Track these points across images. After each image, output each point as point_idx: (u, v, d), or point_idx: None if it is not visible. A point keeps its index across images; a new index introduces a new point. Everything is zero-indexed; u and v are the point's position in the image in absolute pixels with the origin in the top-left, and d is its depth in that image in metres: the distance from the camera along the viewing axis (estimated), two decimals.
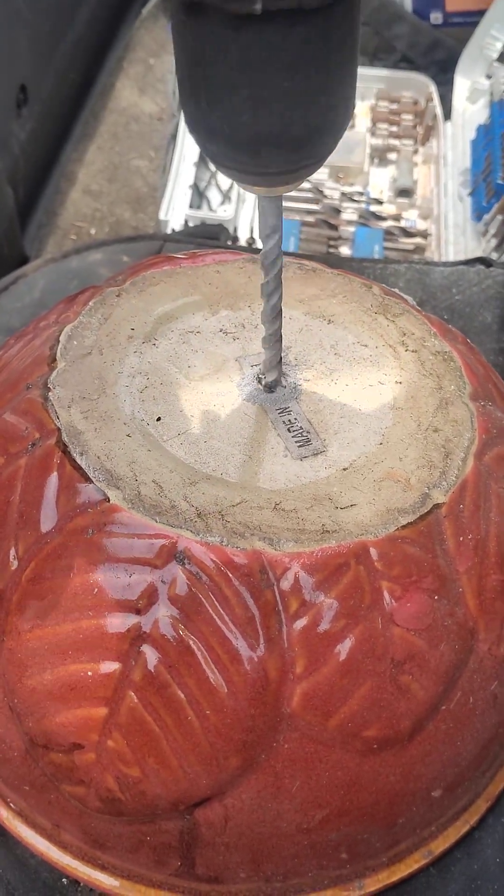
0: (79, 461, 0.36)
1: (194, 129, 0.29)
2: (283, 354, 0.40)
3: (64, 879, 0.41)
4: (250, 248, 0.81)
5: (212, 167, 0.95)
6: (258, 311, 0.44)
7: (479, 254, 0.82)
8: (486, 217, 0.82)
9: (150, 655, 0.33)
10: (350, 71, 0.28)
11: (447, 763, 0.37)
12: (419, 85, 1.01)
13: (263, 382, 0.40)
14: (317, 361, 0.42)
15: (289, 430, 0.38)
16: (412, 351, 0.42)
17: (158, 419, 0.38)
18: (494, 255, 0.79)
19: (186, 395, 0.40)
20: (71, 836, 0.39)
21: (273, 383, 0.40)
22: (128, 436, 0.37)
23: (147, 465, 0.36)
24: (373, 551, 0.34)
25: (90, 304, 0.43)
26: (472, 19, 1.01)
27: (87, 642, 0.34)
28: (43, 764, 0.36)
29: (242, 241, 0.87)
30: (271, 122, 0.27)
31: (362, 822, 0.37)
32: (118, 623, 0.33)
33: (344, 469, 0.37)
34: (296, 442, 0.38)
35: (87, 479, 0.35)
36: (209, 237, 0.81)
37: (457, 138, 0.95)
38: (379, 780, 0.35)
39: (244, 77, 0.26)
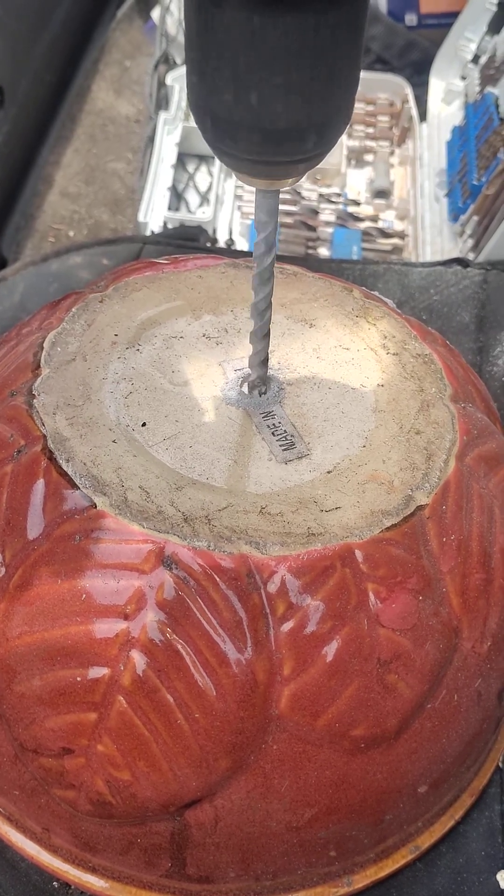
0: (65, 468, 0.36)
1: (200, 115, 0.29)
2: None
3: (55, 882, 0.41)
4: (230, 250, 0.81)
5: (189, 169, 0.95)
6: (241, 316, 0.44)
7: (455, 254, 0.83)
8: (463, 218, 0.83)
9: (139, 660, 0.33)
10: (356, 66, 0.29)
11: (433, 760, 0.38)
12: (395, 86, 1.01)
13: (248, 384, 0.40)
14: (299, 365, 0.42)
15: (273, 433, 0.39)
16: (393, 354, 0.43)
17: (144, 425, 0.39)
18: (471, 256, 0.80)
19: (171, 401, 0.40)
20: (61, 839, 0.39)
21: (257, 386, 0.40)
22: (113, 442, 0.37)
23: (133, 471, 0.36)
24: (358, 553, 0.34)
25: (73, 310, 0.43)
26: (446, 21, 1.02)
27: (75, 648, 0.34)
28: (33, 768, 0.36)
29: (221, 243, 0.87)
30: (280, 111, 0.28)
31: (350, 819, 0.37)
32: (106, 628, 0.34)
33: (328, 472, 0.38)
34: (280, 446, 0.38)
35: (74, 486, 0.36)
36: (188, 239, 0.81)
37: (432, 139, 0.96)
38: (366, 778, 0.36)
39: (254, 65, 0.26)
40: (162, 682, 0.33)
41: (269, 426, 0.39)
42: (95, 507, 0.35)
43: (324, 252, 0.88)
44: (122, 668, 0.33)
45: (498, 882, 0.42)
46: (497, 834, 0.44)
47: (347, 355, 0.43)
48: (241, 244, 0.88)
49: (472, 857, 0.43)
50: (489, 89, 0.87)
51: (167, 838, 0.36)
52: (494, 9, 0.94)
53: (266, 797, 0.35)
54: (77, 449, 0.37)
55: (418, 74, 1.03)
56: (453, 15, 0.99)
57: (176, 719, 0.33)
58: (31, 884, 0.41)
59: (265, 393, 0.40)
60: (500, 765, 0.46)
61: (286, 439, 0.39)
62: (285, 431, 0.39)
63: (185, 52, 0.29)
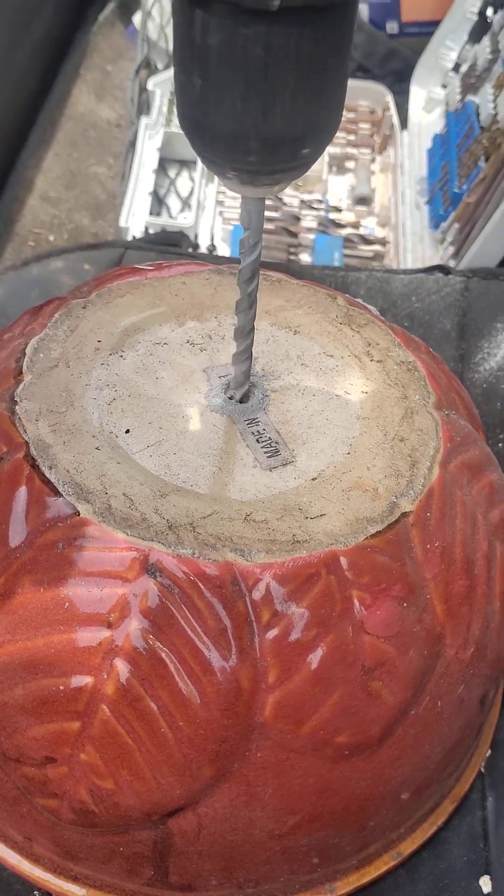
0: (48, 475, 0.36)
1: (187, 122, 0.29)
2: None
3: (36, 892, 0.41)
4: (212, 256, 0.81)
5: (171, 174, 0.95)
6: (225, 323, 0.44)
7: (436, 261, 0.84)
8: (444, 225, 0.84)
9: (123, 668, 0.33)
10: (345, 72, 0.29)
11: (416, 766, 0.38)
12: (376, 94, 1.02)
13: (233, 389, 0.40)
14: (284, 372, 0.42)
15: (257, 440, 0.39)
16: (377, 361, 0.43)
17: (127, 431, 0.38)
18: (452, 263, 0.81)
19: (155, 407, 0.40)
20: (43, 848, 0.39)
21: (243, 388, 0.40)
22: (97, 449, 0.37)
23: (117, 478, 0.36)
24: (343, 560, 0.34)
25: (56, 316, 0.43)
26: (427, 30, 1.03)
27: (58, 657, 0.34)
28: (15, 777, 0.36)
29: (203, 248, 0.87)
30: (268, 120, 0.28)
31: (333, 826, 0.37)
32: (90, 637, 0.33)
33: (313, 479, 0.38)
34: (265, 453, 0.38)
35: (57, 493, 0.35)
36: (170, 244, 0.81)
37: (413, 147, 0.97)
38: (350, 785, 0.36)
39: (245, 73, 0.26)
40: (146, 690, 0.33)
41: (253, 433, 0.39)
42: (79, 514, 0.35)
43: (305, 258, 0.88)
44: (105, 677, 0.33)
45: (480, 888, 0.42)
46: (479, 839, 0.44)
47: (332, 362, 0.43)
48: (223, 250, 0.88)
49: (454, 862, 0.43)
50: (470, 98, 0.88)
51: (150, 847, 0.36)
52: (475, 18, 0.94)
53: (249, 805, 0.35)
54: (60, 456, 0.37)
55: (399, 82, 1.03)
56: (434, 24, 1.00)
57: (159, 728, 0.33)
58: (13, 893, 0.41)
59: (249, 400, 0.40)
60: (482, 770, 0.46)
61: (271, 446, 0.39)
62: (270, 438, 0.39)
63: (173, 60, 0.29)
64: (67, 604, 0.34)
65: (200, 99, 0.28)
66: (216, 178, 0.93)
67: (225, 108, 0.28)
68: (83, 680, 0.33)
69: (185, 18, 0.27)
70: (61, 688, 0.34)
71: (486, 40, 0.90)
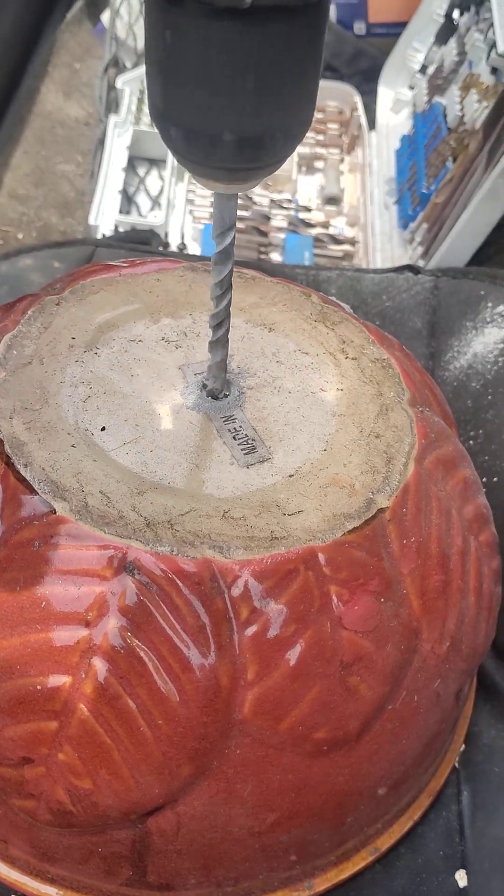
0: (23, 473, 0.35)
1: (160, 119, 0.29)
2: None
3: (12, 895, 0.40)
4: (182, 254, 0.81)
5: (140, 172, 0.94)
6: (200, 320, 0.44)
7: (405, 261, 0.84)
8: (412, 225, 0.84)
9: (101, 667, 0.33)
10: (316, 71, 0.29)
11: (393, 761, 0.38)
12: (344, 94, 1.03)
13: (208, 389, 0.40)
14: (259, 369, 0.42)
15: (234, 437, 0.39)
16: (352, 358, 0.43)
17: (103, 429, 0.38)
18: (421, 263, 0.81)
19: (130, 404, 0.39)
20: (19, 850, 0.39)
21: (218, 390, 0.40)
22: (72, 446, 0.37)
23: (93, 476, 0.36)
24: (321, 556, 0.34)
25: (29, 312, 0.42)
26: (394, 31, 1.04)
27: (35, 656, 0.33)
28: None
29: (173, 247, 0.87)
30: (240, 118, 0.28)
31: (312, 823, 0.37)
32: (67, 636, 0.33)
33: (290, 476, 0.38)
34: (241, 450, 0.38)
35: (32, 491, 0.35)
36: (140, 242, 0.81)
37: (381, 147, 0.97)
38: (328, 781, 0.36)
39: (218, 71, 0.26)
40: (124, 688, 0.33)
41: (230, 430, 0.39)
42: (55, 512, 0.34)
43: (276, 257, 0.88)
44: (83, 676, 0.33)
45: (456, 882, 0.42)
46: (454, 834, 0.44)
47: (307, 360, 0.43)
48: (194, 248, 0.88)
49: (431, 857, 0.44)
50: (437, 99, 0.88)
51: (128, 846, 0.36)
52: (441, 20, 0.95)
53: (228, 802, 0.35)
54: (35, 454, 0.36)
55: (367, 83, 1.04)
56: (401, 25, 1.01)
57: (138, 726, 0.33)
58: None
59: (226, 397, 0.40)
60: (457, 765, 0.46)
61: (247, 443, 0.39)
62: (246, 435, 0.39)
63: (145, 57, 0.29)
64: (44, 602, 0.33)
65: (172, 95, 0.28)
66: (187, 176, 0.93)
67: (197, 104, 0.28)
68: (61, 679, 0.33)
69: (157, 16, 0.27)
70: (38, 687, 0.33)
71: (452, 42, 0.91)
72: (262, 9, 0.25)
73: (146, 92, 0.29)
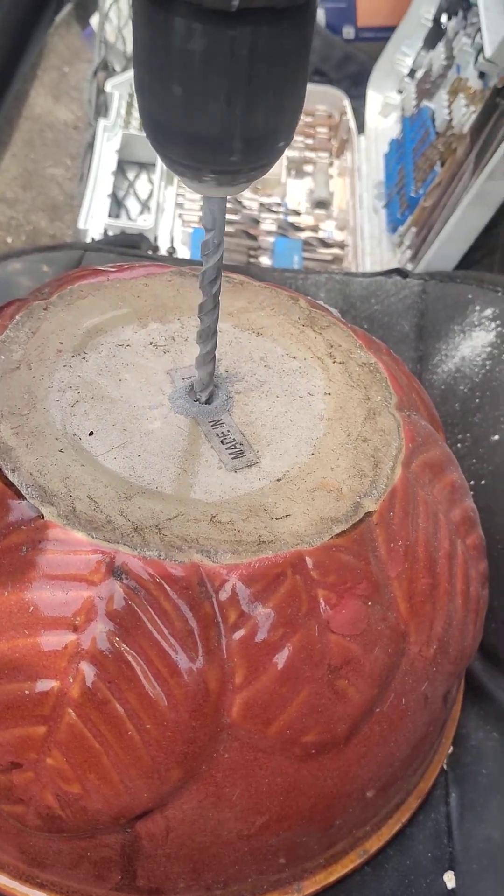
0: (11, 478, 0.35)
1: (146, 121, 0.29)
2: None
3: None
4: (171, 258, 0.81)
5: (129, 176, 0.95)
6: (188, 324, 0.44)
7: (394, 264, 0.84)
8: (401, 229, 0.85)
9: (89, 672, 0.33)
10: (304, 75, 0.29)
11: (381, 764, 0.38)
12: (333, 98, 1.03)
13: (196, 390, 0.40)
14: (247, 373, 0.42)
15: (222, 442, 0.39)
16: (340, 363, 0.43)
17: (91, 434, 0.38)
18: (409, 266, 0.82)
19: (118, 409, 0.40)
20: (8, 855, 0.39)
21: (206, 389, 0.40)
22: (60, 451, 0.37)
23: (81, 481, 0.36)
24: (308, 560, 0.34)
25: (17, 317, 0.42)
26: (382, 35, 1.04)
27: (23, 661, 0.33)
28: None
29: (163, 251, 0.87)
30: (227, 120, 0.27)
31: (301, 825, 0.37)
32: (55, 641, 0.33)
33: (278, 480, 0.38)
34: (229, 454, 0.39)
35: (20, 496, 0.35)
36: (130, 246, 0.81)
37: (370, 151, 0.98)
38: (317, 784, 0.36)
39: (205, 73, 0.26)
40: (112, 693, 0.33)
41: (217, 434, 0.39)
42: (43, 517, 0.34)
43: (265, 261, 0.88)
44: (71, 681, 0.33)
45: (445, 883, 0.43)
46: (443, 835, 0.44)
47: (295, 364, 0.43)
48: (183, 252, 0.88)
49: (419, 859, 0.44)
50: (425, 103, 0.89)
51: (118, 851, 0.36)
52: (430, 24, 0.96)
53: (217, 806, 0.35)
54: (23, 459, 0.36)
55: (356, 87, 1.04)
56: (390, 29, 1.01)
57: (127, 730, 0.33)
58: None
59: (213, 401, 0.40)
60: (445, 767, 0.47)
61: (235, 447, 0.39)
62: (234, 440, 0.39)
63: (133, 59, 0.29)
64: (32, 607, 0.33)
65: (160, 98, 0.28)
66: (176, 180, 0.93)
67: (185, 107, 0.28)
68: (49, 684, 0.33)
69: (146, 21, 0.27)
70: (26, 692, 0.33)
71: (440, 46, 0.91)
72: (250, 10, 0.25)
73: (135, 95, 0.29)
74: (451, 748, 0.47)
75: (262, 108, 0.28)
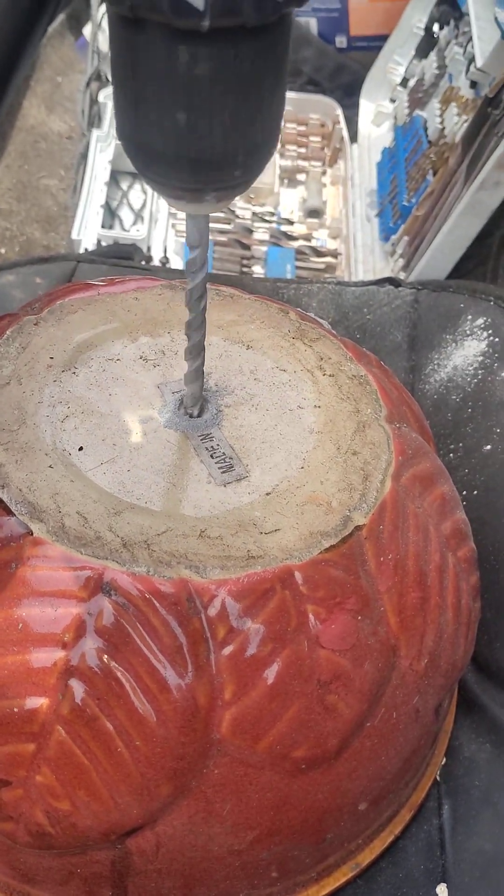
0: (0, 494, 0.35)
1: (125, 140, 0.29)
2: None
3: None
4: (164, 268, 0.81)
5: (123, 186, 0.95)
6: (178, 338, 0.44)
7: (387, 273, 0.85)
8: (394, 238, 0.85)
9: (78, 689, 0.33)
10: (280, 93, 0.29)
11: (373, 777, 0.38)
12: (326, 107, 1.03)
13: (186, 404, 0.40)
14: (237, 387, 0.43)
15: (211, 456, 0.39)
16: (329, 375, 0.44)
17: (81, 449, 0.38)
18: (402, 275, 0.82)
19: (108, 424, 0.40)
20: None
21: (196, 403, 0.40)
22: (50, 467, 0.37)
23: (70, 496, 0.36)
24: (297, 575, 0.34)
25: (7, 332, 0.43)
26: (375, 44, 1.04)
27: (12, 678, 0.33)
28: None
29: (156, 261, 0.87)
30: (204, 139, 0.28)
31: (292, 840, 0.37)
32: (44, 658, 0.33)
33: (267, 494, 0.38)
34: (219, 468, 0.39)
35: (9, 513, 0.35)
36: (123, 257, 0.81)
37: (363, 160, 0.98)
38: (308, 798, 0.36)
39: (178, 92, 0.26)
40: (102, 710, 0.33)
41: (207, 448, 0.39)
42: (32, 533, 0.34)
43: (258, 270, 0.88)
44: (60, 698, 0.33)
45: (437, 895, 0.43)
46: (435, 847, 0.44)
47: (284, 377, 0.43)
48: (176, 262, 0.88)
49: (412, 871, 0.44)
50: (418, 112, 0.89)
51: (108, 867, 0.36)
52: (422, 33, 0.96)
53: (208, 821, 0.35)
54: (12, 475, 0.36)
55: (349, 96, 1.05)
56: (382, 38, 1.02)
57: (116, 747, 0.33)
58: None
59: (203, 415, 0.41)
60: (438, 779, 0.47)
61: (225, 461, 0.39)
62: (224, 454, 0.39)
63: (111, 78, 0.29)
64: (21, 624, 0.33)
65: (138, 117, 0.28)
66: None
67: (162, 126, 0.27)
68: (38, 701, 0.33)
69: (120, 38, 0.27)
70: (15, 710, 0.33)
71: (432, 56, 0.91)
72: (222, 30, 0.25)
73: (121, 133, 0.29)
74: (444, 760, 0.47)
75: (230, 127, 0.28)
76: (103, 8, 1.00)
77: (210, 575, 0.34)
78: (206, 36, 0.25)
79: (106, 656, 0.33)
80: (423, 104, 0.90)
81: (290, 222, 0.94)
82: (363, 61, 1.05)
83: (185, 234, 0.89)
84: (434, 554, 0.39)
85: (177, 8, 0.24)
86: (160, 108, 0.27)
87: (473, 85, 0.79)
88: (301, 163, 1.00)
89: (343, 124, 1.00)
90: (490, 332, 0.63)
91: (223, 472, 0.38)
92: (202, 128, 0.27)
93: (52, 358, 0.42)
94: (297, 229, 0.93)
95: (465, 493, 0.55)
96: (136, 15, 0.25)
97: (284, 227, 0.92)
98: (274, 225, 0.92)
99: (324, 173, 1.00)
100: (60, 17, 1.04)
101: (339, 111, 1.02)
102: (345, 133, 0.99)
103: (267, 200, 0.96)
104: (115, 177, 0.93)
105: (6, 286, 0.67)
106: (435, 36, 0.94)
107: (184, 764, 0.33)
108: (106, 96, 0.97)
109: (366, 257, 0.89)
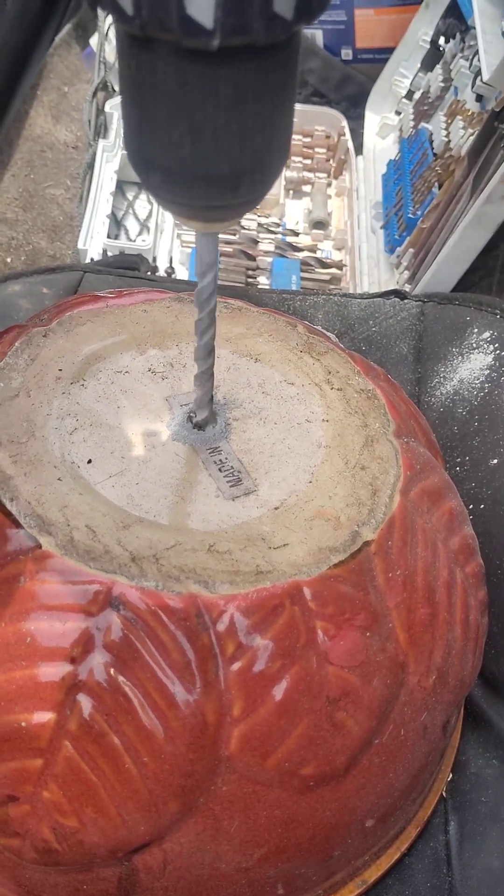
0: (9, 507, 0.35)
1: (134, 159, 0.29)
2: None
3: None
4: (170, 279, 0.81)
5: (129, 196, 0.95)
6: (186, 351, 0.44)
7: (392, 285, 0.85)
8: (399, 250, 0.85)
9: (86, 704, 0.32)
10: (289, 109, 0.29)
11: (380, 794, 0.38)
12: (331, 119, 1.03)
13: (194, 421, 0.40)
14: (245, 400, 0.42)
15: (220, 469, 0.39)
16: (337, 389, 0.43)
17: (89, 461, 0.38)
18: (407, 288, 0.82)
19: (117, 437, 0.40)
20: (4, 888, 0.38)
21: (204, 421, 0.40)
22: (59, 479, 0.37)
23: (79, 510, 0.36)
24: (306, 591, 0.34)
25: (16, 344, 0.42)
26: (380, 56, 1.05)
27: (20, 693, 0.33)
28: None
29: (161, 271, 0.87)
30: (213, 157, 0.27)
31: (299, 857, 0.37)
32: (52, 672, 0.33)
33: (275, 508, 0.38)
34: (227, 482, 0.38)
35: (18, 526, 0.35)
36: (129, 267, 0.81)
37: (368, 172, 0.98)
38: (315, 815, 0.36)
39: (188, 111, 0.26)
40: (110, 725, 0.32)
41: (215, 462, 0.39)
42: (41, 547, 0.34)
43: (263, 281, 0.88)
44: (68, 713, 0.33)
45: None
46: (442, 864, 0.44)
47: (293, 390, 0.43)
48: (182, 273, 0.88)
49: (418, 888, 0.43)
50: (423, 125, 0.89)
51: (114, 884, 0.36)
52: (427, 46, 0.96)
53: (216, 839, 0.35)
54: (21, 487, 0.36)
55: (354, 108, 1.05)
56: (388, 50, 1.02)
57: (124, 763, 0.33)
58: None
59: (211, 428, 0.40)
60: (444, 795, 0.46)
61: (233, 475, 0.39)
62: (232, 467, 0.39)
63: (120, 95, 0.29)
64: (29, 638, 0.33)
65: (146, 135, 0.28)
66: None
67: (171, 144, 0.27)
68: (46, 716, 0.33)
69: (129, 55, 0.27)
70: (23, 724, 0.33)
71: (438, 69, 0.92)
72: (231, 49, 0.25)
73: (133, 155, 0.29)
74: (451, 775, 0.47)
75: (239, 145, 0.27)
76: (110, 19, 1.01)
77: (219, 590, 0.34)
78: (215, 55, 0.25)
79: (114, 671, 0.32)
80: (428, 117, 0.90)
81: (296, 233, 0.94)
82: (369, 73, 1.06)
83: (190, 245, 0.90)
84: (442, 569, 0.39)
85: (186, 27, 0.24)
86: (169, 127, 0.27)
87: (479, 98, 0.79)
88: (306, 174, 1.00)
89: (348, 136, 1.00)
90: (496, 345, 0.63)
91: (231, 486, 0.38)
92: (211, 146, 0.27)
93: (60, 370, 0.42)
94: (303, 240, 0.93)
95: (471, 506, 0.55)
96: (145, 34, 0.25)
97: (290, 239, 0.93)
98: (279, 236, 0.92)
99: (329, 185, 1.01)
100: (67, 27, 1.05)
101: (345, 123, 1.02)
102: (350, 145, 0.99)
103: (272, 211, 0.96)
104: (120, 187, 0.93)
105: (12, 296, 0.67)
106: (441, 49, 0.94)
107: (192, 781, 0.33)
108: (112, 106, 0.97)
109: (371, 269, 0.89)
